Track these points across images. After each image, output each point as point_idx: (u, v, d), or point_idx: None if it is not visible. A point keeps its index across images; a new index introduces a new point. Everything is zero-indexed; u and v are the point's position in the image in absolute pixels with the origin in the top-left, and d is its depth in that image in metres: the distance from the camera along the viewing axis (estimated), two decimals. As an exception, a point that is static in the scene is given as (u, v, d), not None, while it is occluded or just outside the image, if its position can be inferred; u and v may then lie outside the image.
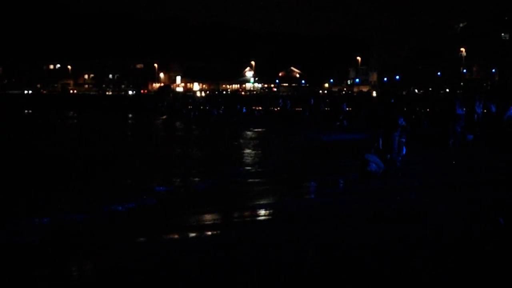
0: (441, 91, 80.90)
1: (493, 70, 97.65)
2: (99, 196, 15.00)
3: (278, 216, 12.21)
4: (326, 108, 51.84)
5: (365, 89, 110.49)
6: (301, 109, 56.21)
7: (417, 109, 45.11)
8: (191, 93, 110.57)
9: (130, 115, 67.81)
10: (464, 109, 23.57)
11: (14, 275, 8.38)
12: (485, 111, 26.19)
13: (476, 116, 26.97)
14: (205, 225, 12.10)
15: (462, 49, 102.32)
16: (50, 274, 8.61)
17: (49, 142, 33.75)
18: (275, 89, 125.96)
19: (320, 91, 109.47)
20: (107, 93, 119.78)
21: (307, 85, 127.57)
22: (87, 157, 24.97)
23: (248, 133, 39.99)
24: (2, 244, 10.07)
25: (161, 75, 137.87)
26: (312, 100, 51.06)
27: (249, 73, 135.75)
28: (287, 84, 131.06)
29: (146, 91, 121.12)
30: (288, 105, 59.90)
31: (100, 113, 68.33)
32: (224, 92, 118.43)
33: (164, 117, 65.41)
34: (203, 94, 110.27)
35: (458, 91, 66.94)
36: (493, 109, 25.85)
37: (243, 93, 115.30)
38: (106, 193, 15.50)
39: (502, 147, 21.62)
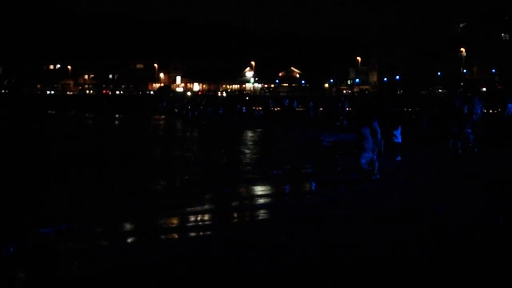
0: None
1: (493, 70, 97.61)
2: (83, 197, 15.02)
3: (278, 217, 12.19)
4: (321, 108, 51.70)
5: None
6: (302, 109, 56.20)
7: (417, 109, 45.09)
8: (212, 94, 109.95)
9: (131, 116, 67.80)
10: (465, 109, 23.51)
11: None
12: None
13: (476, 116, 26.91)
14: (204, 226, 12.08)
15: (462, 49, 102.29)
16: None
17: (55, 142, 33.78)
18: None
19: (345, 91, 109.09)
20: (120, 92, 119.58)
21: (307, 85, 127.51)
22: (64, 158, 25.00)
23: (248, 133, 39.95)
24: None
25: (161, 75, 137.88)
26: (311, 103, 51.13)
27: (249, 73, 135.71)
28: (287, 84, 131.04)
29: (108, 91, 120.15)
30: (295, 105, 59.95)
31: (106, 113, 68.74)
32: (245, 92, 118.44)
33: (164, 117, 65.48)
34: (224, 94, 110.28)
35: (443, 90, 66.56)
36: (478, 109, 25.86)
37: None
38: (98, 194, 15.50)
39: (502, 147, 21.60)
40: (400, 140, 19.03)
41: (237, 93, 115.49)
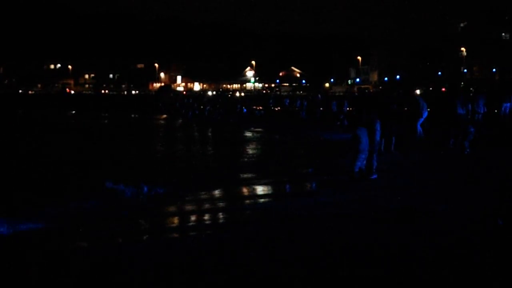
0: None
1: (493, 70, 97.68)
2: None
3: (276, 216, 12.19)
4: (321, 108, 51.63)
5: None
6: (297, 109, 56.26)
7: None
8: (230, 94, 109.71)
9: (131, 115, 67.92)
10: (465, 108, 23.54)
11: None
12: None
13: (477, 116, 26.90)
14: (203, 225, 12.08)
15: (463, 49, 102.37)
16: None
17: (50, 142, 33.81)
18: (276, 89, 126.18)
19: (366, 90, 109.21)
20: (133, 92, 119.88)
21: (308, 84, 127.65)
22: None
23: (247, 132, 39.94)
24: None
25: (162, 75, 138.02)
26: (305, 103, 51.23)
27: (249, 73, 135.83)
28: (287, 84, 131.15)
29: (70, 90, 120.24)
30: (303, 104, 59.94)
31: (112, 113, 69.23)
32: (264, 92, 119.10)
33: (164, 116, 65.50)
34: (242, 94, 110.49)
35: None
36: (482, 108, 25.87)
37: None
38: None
39: (502, 147, 21.62)
40: (378, 138, 17.18)
41: (255, 93, 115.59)
